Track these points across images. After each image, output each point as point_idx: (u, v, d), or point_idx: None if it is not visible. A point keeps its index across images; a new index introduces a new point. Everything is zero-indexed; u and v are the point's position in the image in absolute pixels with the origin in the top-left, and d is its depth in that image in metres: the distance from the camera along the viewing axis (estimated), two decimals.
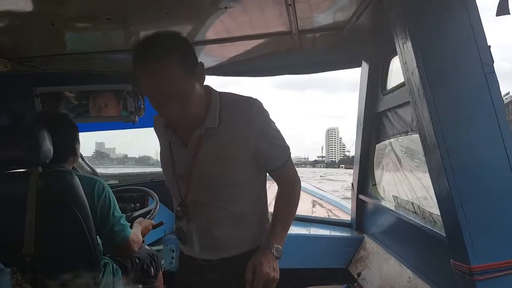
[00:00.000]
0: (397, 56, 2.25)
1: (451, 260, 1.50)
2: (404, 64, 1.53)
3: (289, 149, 1.53)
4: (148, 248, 2.62)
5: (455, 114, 1.42)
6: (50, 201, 1.82)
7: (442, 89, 1.41)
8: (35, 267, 1.79)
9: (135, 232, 2.14)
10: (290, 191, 1.58)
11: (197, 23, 2.08)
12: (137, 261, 2.27)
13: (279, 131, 1.52)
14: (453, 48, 1.44)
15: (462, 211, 1.39)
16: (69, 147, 2.06)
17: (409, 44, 1.45)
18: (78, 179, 1.86)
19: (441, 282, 1.89)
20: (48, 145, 1.86)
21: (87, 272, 1.89)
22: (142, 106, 2.79)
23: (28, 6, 1.72)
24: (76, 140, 2.13)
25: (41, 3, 1.71)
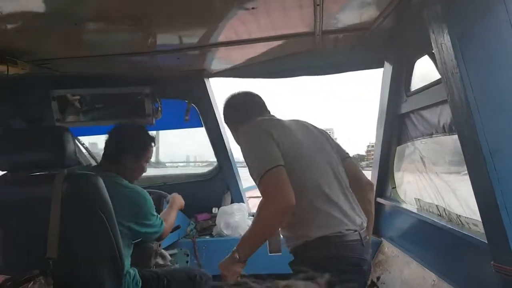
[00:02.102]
0: (422, 58, 2.23)
1: (492, 262, 1.47)
2: (442, 64, 1.49)
3: (259, 170, 1.54)
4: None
5: (498, 115, 1.39)
6: (75, 205, 1.78)
7: (484, 90, 1.38)
8: (58, 271, 1.75)
9: (167, 220, 2.23)
10: (258, 207, 1.62)
11: (221, 24, 2.05)
12: (162, 277, 2.20)
13: (251, 149, 1.66)
14: (495, 48, 1.42)
15: (506, 213, 1.36)
16: None
17: (448, 44, 1.42)
18: (103, 182, 1.83)
19: (470, 285, 1.86)
20: (72, 147, 1.83)
21: (110, 278, 1.86)
22: (159, 109, 2.76)
23: (51, 7, 1.69)
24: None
25: (65, 4, 1.68)
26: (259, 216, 1.58)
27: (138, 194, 2.04)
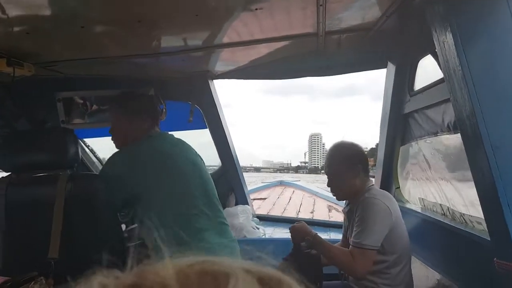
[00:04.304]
0: (426, 57, 2.24)
1: (494, 259, 1.47)
2: (445, 62, 1.51)
3: (365, 240, 1.94)
4: None
5: (501, 112, 1.40)
6: (78, 205, 1.80)
7: (487, 87, 1.39)
8: (59, 272, 1.76)
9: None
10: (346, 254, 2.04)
11: (225, 25, 2.06)
12: None
13: (372, 219, 1.98)
14: (497, 46, 1.42)
15: (508, 210, 1.36)
16: None
17: (451, 41, 1.43)
18: (105, 184, 1.84)
19: (473, 282, 1.86)
20: (75, 149, 1.85)
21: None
22: (164, 110, 2.76)
23: (59, 10, 1.71)
24: None
25: (72, 7, 1.69)
26: (339, 256, 2.02)
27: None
